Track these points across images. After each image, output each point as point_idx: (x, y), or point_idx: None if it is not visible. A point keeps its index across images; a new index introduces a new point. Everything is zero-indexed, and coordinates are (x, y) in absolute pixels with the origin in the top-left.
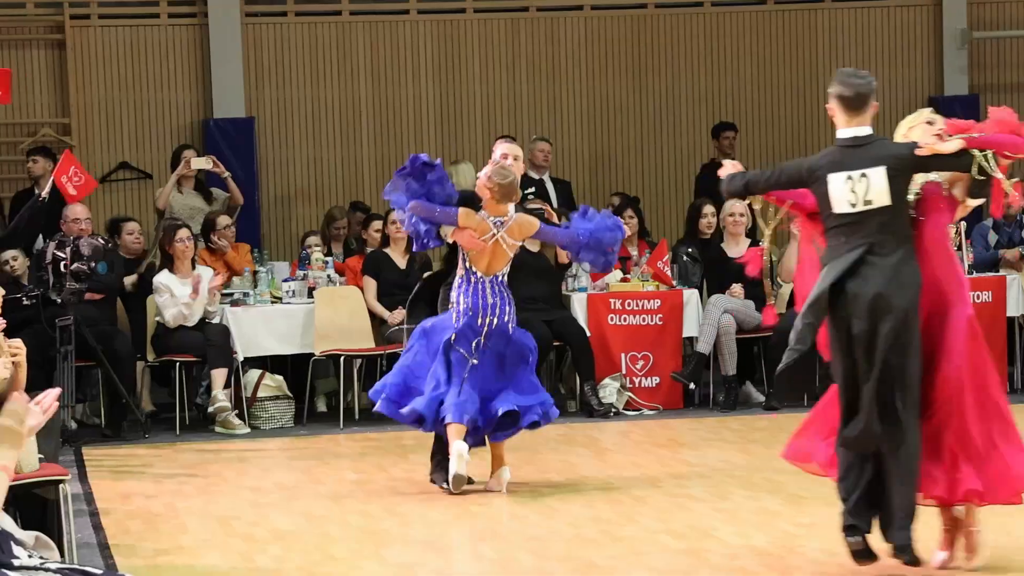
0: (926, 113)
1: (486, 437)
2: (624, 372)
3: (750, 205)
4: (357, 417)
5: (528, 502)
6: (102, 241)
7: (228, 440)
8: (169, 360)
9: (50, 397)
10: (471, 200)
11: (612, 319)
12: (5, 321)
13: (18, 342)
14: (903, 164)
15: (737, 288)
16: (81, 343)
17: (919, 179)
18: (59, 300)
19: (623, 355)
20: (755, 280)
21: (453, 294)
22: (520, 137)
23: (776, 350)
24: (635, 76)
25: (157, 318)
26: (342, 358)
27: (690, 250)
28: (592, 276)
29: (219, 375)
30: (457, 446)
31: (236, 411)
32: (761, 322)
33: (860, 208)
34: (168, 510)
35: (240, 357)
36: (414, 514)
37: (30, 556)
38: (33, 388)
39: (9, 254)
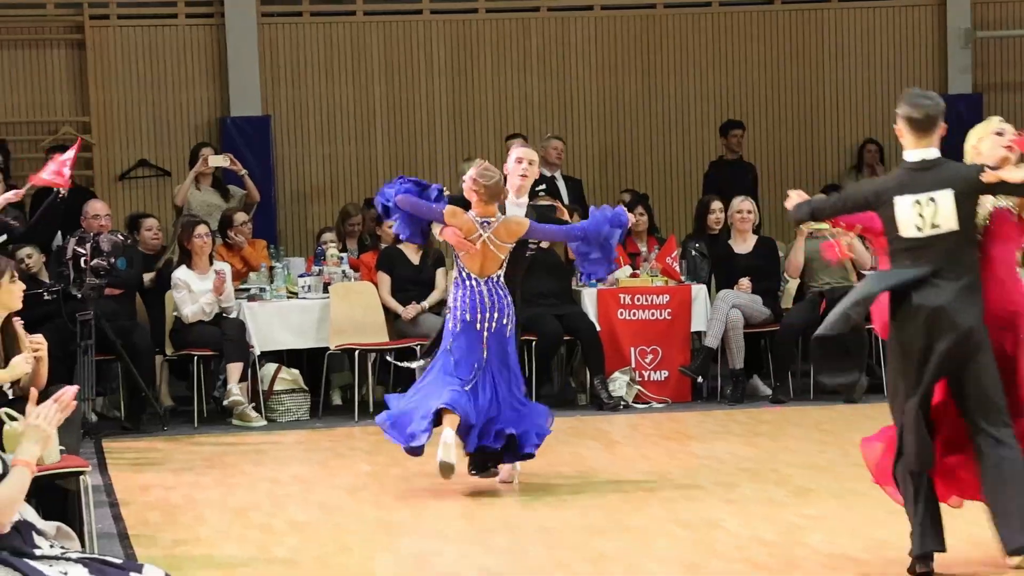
0: (995, 123)
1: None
2: (633, 366)
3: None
4: (372, 410)
5: (539, 494)
6: (121, 237)
7: (245, 433)
8: (187, 354)
9: (68, 394)
10: (463, 203)
11: (622, 314)
12: (25, 318)
13: (39, 337)
14: (970, 188)
15: (744, 283)
16: (101, 338)
17: (988, 202)
18: (79, 295)
19: (632, 349)
20: (761, 275)
21: (450, 298)
22: (531, 135)
23: (782, 345)
24: (644, 75)
25: (175, 313)
26: (357, 352)
27: (698, 246)
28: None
29: (235, 369)
30: (447, 434)
31: (253, 404)
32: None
33: (927, 232)
34: (186, 501)
35: (257, 351)
36: (427, 506)
37: (51, 546)
38: (54, 382)
39: (25, 251)
